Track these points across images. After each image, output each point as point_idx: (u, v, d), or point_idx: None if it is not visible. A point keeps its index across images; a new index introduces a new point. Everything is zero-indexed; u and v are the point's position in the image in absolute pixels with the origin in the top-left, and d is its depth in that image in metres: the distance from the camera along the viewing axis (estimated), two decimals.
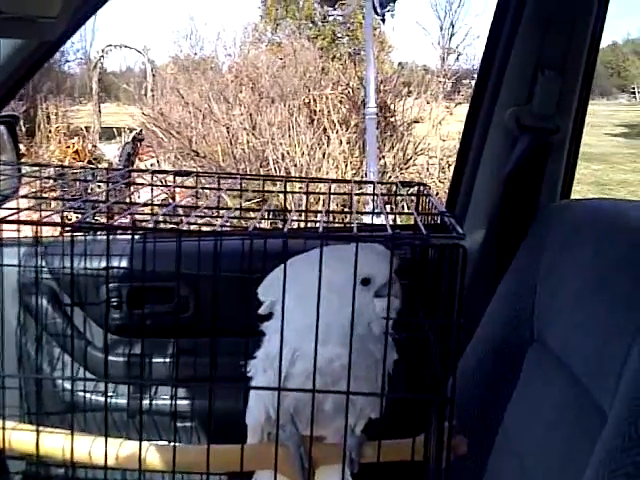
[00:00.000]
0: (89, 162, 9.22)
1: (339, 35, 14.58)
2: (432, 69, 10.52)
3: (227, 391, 1.24)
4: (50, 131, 10.37)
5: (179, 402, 1.67)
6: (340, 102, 7.94)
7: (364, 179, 6.39)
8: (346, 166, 7.36)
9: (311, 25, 15.28)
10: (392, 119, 8.10)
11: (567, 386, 1.14)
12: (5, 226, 1.59)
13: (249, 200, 1.35)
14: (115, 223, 0.99)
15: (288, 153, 7.36)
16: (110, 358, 1.68)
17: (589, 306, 1.13)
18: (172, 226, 0.98)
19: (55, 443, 1.18)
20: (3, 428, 1.15)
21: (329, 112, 7.60)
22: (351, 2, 8.79)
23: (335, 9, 8.39)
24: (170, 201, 1.20)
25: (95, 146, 10.17)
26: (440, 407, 1.02)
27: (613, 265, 1.09)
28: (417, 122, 8.09)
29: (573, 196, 1.72)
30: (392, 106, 8.17)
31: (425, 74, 9.08)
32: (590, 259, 1.17)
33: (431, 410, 1.08)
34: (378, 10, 7.34)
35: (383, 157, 7.78)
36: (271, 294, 1.12)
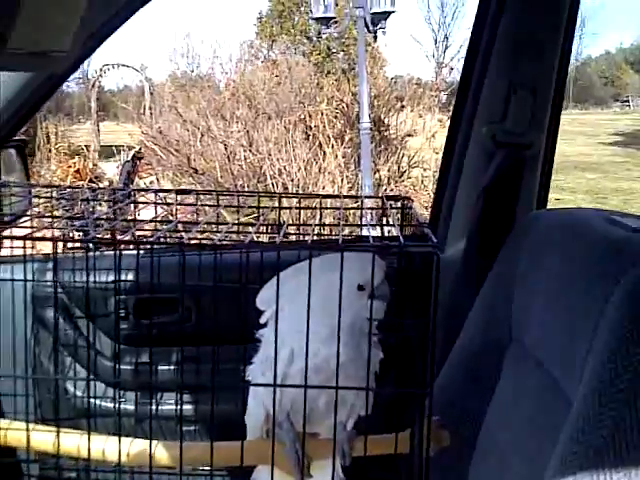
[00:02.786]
0: (90, 181, 9.33)
1: (334, 50, 14.74)
2: (425, 82, 10.66)
3: (228, 396, 1.35)
4: (50, 150, 10.49)
5: (184, 407, 1.77)
6: (335, 117, 8.07)
7: (353, 194, 6.50)
8: (342, 180, 7.47)
9: (306, 41, 15.45)
10: (386, 133, 8.23)
11: (541, 381, 1.24)
12: (15, 244, 1.71)
13: (247, 215, 1.43)
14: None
15: (285, 168, 7.47)
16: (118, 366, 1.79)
17: (557, 306, 1.23)
18: (175, 241, 1.08)
19: (71, 442, 1.28)
20: (26, 429, 1.25)
21: (324, 127, 7.73)
22: (344, 20, 8.94)
23: (328, 27, 8.55)
24: (171, 218, 1.31)
25: (96, 165, 10.29)
26: (422, 400, 1.12)
27: (576, 268, 1.20)
28: (410, 135, 8.22)
29: (569, 205, 1.83)
30: (386, 120, 8.30)
31: (417, 88, 9.21)
32: (558, 264, 1.28)
33: (415, 406, 1.18)
34: (370, 28, 7.51)
35: (378, 170, 7.90)
36: (272, 303, 1.19)
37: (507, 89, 1.65)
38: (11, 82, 1.64)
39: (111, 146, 10.97)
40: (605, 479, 0.91)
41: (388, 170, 7.98)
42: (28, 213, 1.44)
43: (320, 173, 7.48)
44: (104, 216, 1.20)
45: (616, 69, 34.69)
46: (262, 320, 1.25)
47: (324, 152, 7.59)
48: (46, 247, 1.79)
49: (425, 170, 8.28)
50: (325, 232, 1.43)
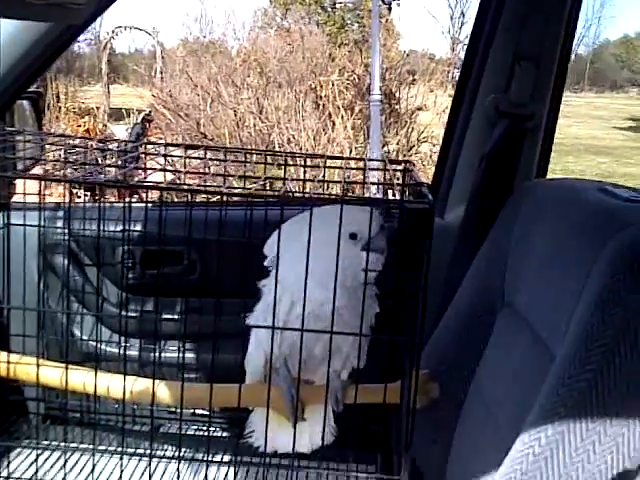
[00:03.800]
0: (99, 141, 9.34)
1: (348, 22, 14.65)
2: (440, 58, 10.63)
3: (229, 345, 1.41)
4: (60, 110, 10.50)
5: (186, 355, 1.84)
6: (346, 88, 8.08)
7: (356, 156, 6.54)
8: (350, 151, 7.50)
9: (320, 11, 15.34)
10: (397, 106, 8.24)
11: (529, 341, 1.29)
12: (28, 192, 1.76)
13: (254, 182, 1.47)
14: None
15: (294, 137, 7.51)
16: (124, 313, 1.85)
17: (547, 270, 1.28)
18: (185, 187, 1.13)
19: (78, 378, 1.35)
20: (36, 364, 1.30)
21: (334, 98, 7.75)
22: None
23: None
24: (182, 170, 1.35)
25: (105, 126, 10.31)
26: (412, 351, 1.17)
27: (567, 235, 1.24)
28: (420, 109, 8.23)
29: None
30: (397, 93, 8.30)
31: (430, 63, 9.20)
32: (550, 230, 1.32)
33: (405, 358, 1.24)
34: None
35: (387, 144, 7.92)
36: (276, 246, 1.25)
37: (511, 60, 1.69)
38: (27, 34, 1.67)
39: (121, 109, 10.96)
40: (587, 421, 0.97)
41: (397, 144, 8.01)
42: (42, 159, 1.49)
43: (329, 143, 7.51)
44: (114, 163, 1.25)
45: (634, 53, 34.27)
46: (265, 264, 1.30)
47: (333, 122, 7.61)
48: (57, 197, 1.84)
49: (434, 145, 8.29)
50: (328, 191, 1.47)
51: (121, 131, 9.93)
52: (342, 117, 7.62)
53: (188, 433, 1.88)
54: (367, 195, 1.43)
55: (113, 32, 12.85)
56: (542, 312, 1.27)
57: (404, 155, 7.99)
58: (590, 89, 31.68)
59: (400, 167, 1.38)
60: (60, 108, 10.48)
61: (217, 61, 9.12)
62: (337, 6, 12.35)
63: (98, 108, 10.96)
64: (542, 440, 1.01)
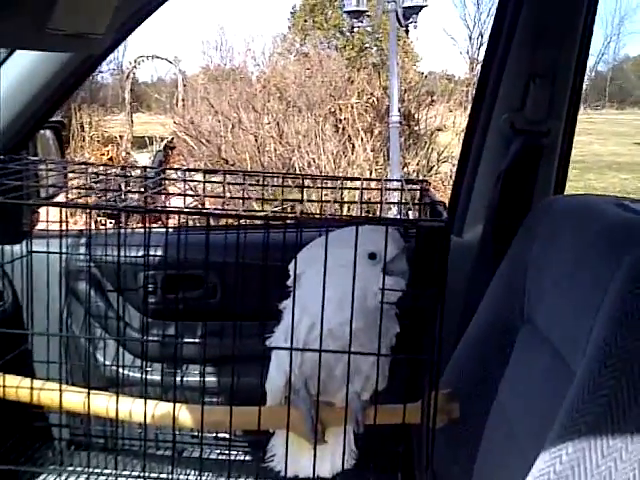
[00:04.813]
0: (122, 168, 9.47)
1: (367, 45, 14.78)
2: (459, 78, 10.67)
3: (250, 369, 1.41)
4: (84, 139, 10.67)
5: (207, 379, 1.85)
6: (365, 111, 8.13)
7: (373, 177, 6.56)
8: (371, 173, 7.53)
9: (339, 35, 15.50)
10: (416, 127, 8.26)
11: (550, 358, 1.28)
12: (51, 219, 1.79)
13: (272, 203, 1.47)
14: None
15: (314, 161, 7.55)
16: (145, 338, 1.87)
17: (566, 287, 1.27)
18: (204, 211, 1.14)
19: (100, 403, 1.36)
20: (59, 389, 1.32)
21: (354, 121, 7.79)
22: (377, 14, 9.03)
23: (361, 21, 8.63)
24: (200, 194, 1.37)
25: (128, 154, 10.44)
26: (431, 371, 1.17)
27: (585, 250, 1.24)
28: (440, 130, 8.24)
29: None
30: (416, 115, 8.34)
31: (448, 83, 9.24)
32: (569, 247, 1.32)
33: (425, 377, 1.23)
34: (402, 22, 7.56)
35: (407, 165, 7.93)
36: (298, 268, 1.26)
37: (526, 78, 1.70)
38: (48, 64, 1.72)
39: (144, 137, 11.10)
40: (608, 438, 0.96)
41: (417, 164, 8.02)
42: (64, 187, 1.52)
43: (349, 166, 7.54)
44: (136, 189, 1.28)
45: None
46: (288, 282, 1.30)
47: (353, 145, 7.65)
48: (79, 224, 1.87)
49: (454, 165, 8.27)
50: (346, 212, 1.48)
51: (144, 159, 10.05)
52: (362, 139, 7.66)
53: (210, 457, 1.88)
54: (386, 215, 1.44)
55: (135, 62, 13.09)
56: (562, 329, 1.26)
57: (424, 175, 7.99)
58: (611, 106, 31.52)
59: (417, 187, 1.39)
60: (84, 137, 10.66)
61: (237, 87, 9.23)
62: (355, 30, 12.46)
63: (121, 137, 11.12)
64: (563, 458, 1.00)
